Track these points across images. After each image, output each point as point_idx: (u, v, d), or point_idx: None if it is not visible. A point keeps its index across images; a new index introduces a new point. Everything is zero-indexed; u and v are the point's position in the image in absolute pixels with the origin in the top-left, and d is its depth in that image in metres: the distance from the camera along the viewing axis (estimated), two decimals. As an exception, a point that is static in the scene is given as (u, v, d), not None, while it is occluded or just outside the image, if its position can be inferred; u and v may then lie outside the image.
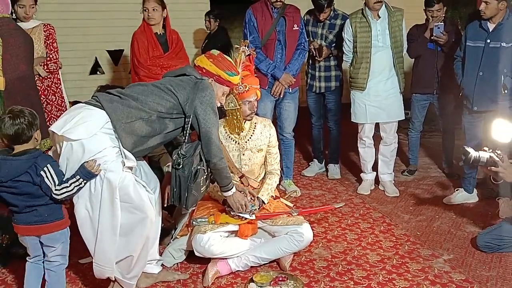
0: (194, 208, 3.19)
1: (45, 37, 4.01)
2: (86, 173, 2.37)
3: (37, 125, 2.44)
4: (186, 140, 2.64)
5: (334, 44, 4.49)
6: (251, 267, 3.02)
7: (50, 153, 2.63)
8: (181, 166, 2.58)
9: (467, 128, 3.99)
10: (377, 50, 4.08)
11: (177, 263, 3.10)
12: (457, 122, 4.62)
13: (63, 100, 4.16)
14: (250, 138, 3.21)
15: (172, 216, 3.37)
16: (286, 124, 4.34)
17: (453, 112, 4.62)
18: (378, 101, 4.15)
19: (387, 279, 2.91)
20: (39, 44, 3.97)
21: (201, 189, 2.73)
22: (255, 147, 3.22)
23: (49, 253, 2.51)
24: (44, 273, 2.57)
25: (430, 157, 5.34)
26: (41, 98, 3.95)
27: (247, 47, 3.25)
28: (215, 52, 2.87)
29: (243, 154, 3.20)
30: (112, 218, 2.45)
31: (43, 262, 2.56)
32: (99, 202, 2.44)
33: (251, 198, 2.99)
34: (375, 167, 4.42)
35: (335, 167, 4.83)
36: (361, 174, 4.47)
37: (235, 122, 3.15)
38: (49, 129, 2.45)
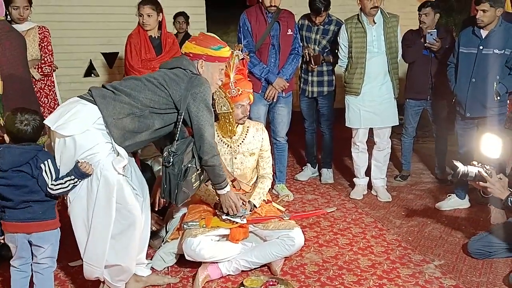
0: (185, 212, 3.19)
1: (39, 40, 3.99)
2: (80, 173, 2.40)
3: (44, 128, 2.49)
4: (177, 137, 2.62)
5: (327, 50, 4.51)
6: (242, 271, 3.01)
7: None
8: (171, 163, 2.57)
9: (460, 134, 4.00)
10: (372, 55, 4.10)
11: (168, 267, 3.09)
12: (450, 128, 4.65)
13: (56, 102, 4.14)
14: (242, 141, 3.21)
15: (163, 219, 3.35)
16: (280, 128, 4.35)
17: (446, 118, 4.64)
18: (373, 106, 4.16)
19: (377, 284, 2.90)
20: (34, 46, 3.95)
21: (193, 186, 2.71)
22: (248, 151, 3.22)
23: (38, 254, 2.50)
24: (32, 276, 2.55)
25: (423, 163, 5.36)
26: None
27: (241, 51, 3.27)
28: (196, 33, 2.85)
29: (235, 158, 3.20)
30: (106, 217, 2.46)
31: (31, 265, 2.54)
32: (95, 200, 2.44)
33: (242, 203, 2.98)
34: (368, 172, 4.43)
35: (328, 171, 4.84)
36: (354, 179, 4.48)
37: (227, 125, 3.16)
38: (43, 121, 2.48)
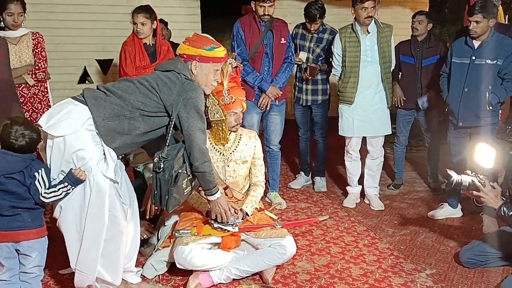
0: (177, 219, 3.18)
1: (33, 46, 3.96)
2: (74, 179, 2.41)
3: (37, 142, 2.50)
4: (168, 143, 2.60)
5: (321, 58, 4.53)
6: (233, 279, 3.00)
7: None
8: (161, 169, 2.55)
9: (452, 143, 4.02)
10: (366, 65, 4.12)
11: (159, 275, 3.07)
12: (442, 137, 4.68)
13: (49, 108, 4.13)
14: (235, 149, 3.21)
15: (155, 227, 3.34)
16: (273, 136, 4.35)
17: (437, 127, 4.67)
18: (366, 115, 4.18)
19: (369, 293, 2.90)
20: (27, 52, 3.94)
21: (185, 192, 2.69)
22: (240, 159, 3.21)
23: (26, 263, 2.48)
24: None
25: (416, 172, 5.37)
26: (27, 105, 3.93)
27: (234, 60, 3.27)
28: (190, 34, 2.82)
29: (228, 166, 3.20)
30: (99, 223, 2.45)
31: (18, 278, 2.52)
32: (87, 207, 2.43)
33: (234, 212, 2.97)
34: (361, 181, 4.44)
35: (321, 180, 4.84)
36: (347, 188, 4.48)
37: (220, 133, 3.15)
38: (36, 122, 2.50)
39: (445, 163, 4.42)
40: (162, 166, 2.55)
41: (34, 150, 2.50)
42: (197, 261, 2.86)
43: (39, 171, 2.43)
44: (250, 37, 4.10)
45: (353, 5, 4.08)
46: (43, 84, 4.08)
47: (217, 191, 2.81)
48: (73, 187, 2.43)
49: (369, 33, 4.12)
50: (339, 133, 4.31)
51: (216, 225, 2.93)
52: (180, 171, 2.60)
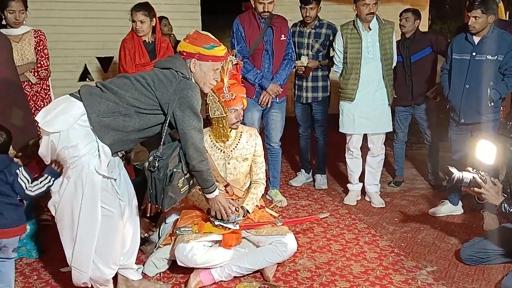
0: (178, 217, 3.18)
1: (35, 43, 3.97)
2: (54, 172, 2.55)
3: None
4: (163, 141, 2.59)
5: (321, 53, 4.52)
6: (234, 277, 3.00)
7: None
8: (156, 168, 2.53)
9: (453, 140, 4.01)
10: (367, 61, 4.11)
11: (160, 273, 3.07)
12: (441, 134, 4.68)
13: (51, 106, 4.13)
14: (235, 147, 3.21)
15: (156, 225, 3.34)
16: (273, 133, 4.35)
17: (436, 124, 4.67)
18: (367, 112, 4.17)
19: (370, 290, 2.90)
20: (29, 50, 3.95)
21: (181, 191, 2.66)
22: (241, 156, 3.21)
23: (3, 256, 2.61)
24: None
25: (417, 169, 5.37)
26: (30, 103, 3.92)
27: (235, 57, 3.26)
28: (191, 31, 2.80)
29: (228, 163, 3.19)
30: (92, 220, 2.46)
31: None
32: (80, 204, 2.44)
33: (235, 209, 2.96)
34: (361, 178, 4.43)
35: (322, 177, 4.84)
36: (348, 185, 4.48)
37: (221, 130, 3.14)
38: (35, 118, 2.55)
39: (445, 160, 4.42)
40: (156, 165, 2.53)
41: (6, 151, 2.62)
42: (198, 258, 2.86)
43: (20, 169, 2.55)
44: (250, 34, 4.09)
45: (355, 1, 4.07)
46: (45, 82, 4.09)
47: (215, 189, 2.79)
48: (53, 179, 2.56)
49: (370, 29, 4.11)
50: (339, 130, 4.30)
51: (217, 222, 2.92)
52: (175, 170, 2.57)
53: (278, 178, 4.49)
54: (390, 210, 4.23)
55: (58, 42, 6.08)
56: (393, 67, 4.27)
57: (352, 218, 4.03)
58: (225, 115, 3.08)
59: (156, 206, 2.67)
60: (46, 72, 4.03)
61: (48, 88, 4.13)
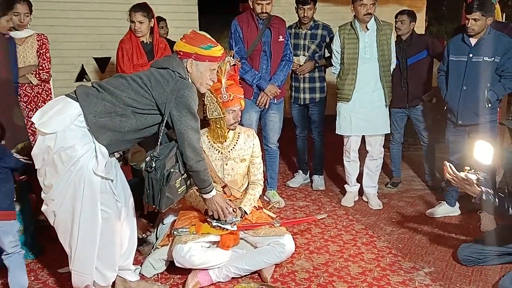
0: (176, 218, 3.18)
1: (38, 47, 4.05)
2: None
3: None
4: (160, 141, 2.58)
5: (317, 54, 4.52)
6: (232, 278, 3.00)
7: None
8: (153, 168, 2.53)
9: (451, 141, 4.01)
10: (364, 62, 4.11)
11: (158, 274, 3.07)
12: (437, 135, 4.69)
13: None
14: (233, 147, 3.21)
15: (153, 225, 3.34)
16: (271, 134, 4.35)
17: (432, 125, 4.69)
18: (363, 114, 4.17)
19: (368, 291, 2.91)
20: (31, 53, 4.02)
21: (178, 191, 2.66)
22: (238, 157, 3.21)
23: (7, 242, 2.71)
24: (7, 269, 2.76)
25: (414, 170, 5.38)
26: (31, 104, 4.02)
27: (232, 58, 3.26)
28: (188, 31, 2.79)
29: (226, 164, 3.19)
30: (93, 222, 2.45)
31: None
32: (80, 207, 2.42)
33: (233, 210, 2.96)
34: (359, 179, 4.44)
35: (320, 178, 4.84)
36: (345, 186, 4.48)
37: (218, 131, 3.14)
38: (31, 119, 2.55)
39: (442, 161, 4.41)
40: (153, 165, 2.52)
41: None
42: (196, 259, 2.86)
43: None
44: (248, 35, 4.09)
45: (353, 2, 4.08)
46: (46, 84, 4.17)
47: (212, 189, 2.78)
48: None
49: (368, 30, 4.11)
50: (336, 132, 4.31)
51: (214, 223, 2.92)
52: (172, 170, 2.57)
53: (275, 179, 4.49)
54: (387, 211, 4.24)
55: (55, 42, 6.04)
56: (391, 68, 4.27)
57: (350, 219, 4.04)
58: (223, 116, 3.08)
59: (153, 206, 2.66)
60: (48, 75, 4.11)
61: (49, 90, 4.21)
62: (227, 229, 2.94)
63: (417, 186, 4.90)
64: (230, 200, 3.09)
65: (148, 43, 4.01)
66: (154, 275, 3.06)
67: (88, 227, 2.45)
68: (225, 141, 3.18)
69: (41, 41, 4.07)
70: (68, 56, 6.50)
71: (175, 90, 2.54)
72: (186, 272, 2.96)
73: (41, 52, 4.06)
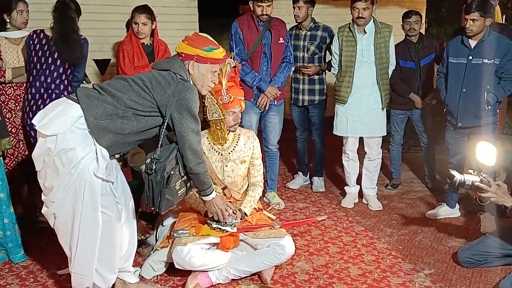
0: (175, 220, 3.17)
1: None
2: None
3: None
4: (161, 143, 2.58)
5: (316, 55, 4.53)
6: (232, 280, 3.00)
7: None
8: (153, 171, 2.52)
9: (450, 143, 4.01)
10: (361, 64, 4.11)
11: (157, 275, 3.06)
12: (437, 137, 4.69)
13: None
14: (233, 149, 3.21)
15: (153, 227, 3.33)
16: (271, 136, 4.35)
17: (432, 127, 4.68)
18: (360, 116, 4.17)
19: (368, 293, 2.90)
20: None
21: (178, 193, 2.65)
22: (238, 159, 3.21)
23: None
24: None
25: (414, 172, 5.37)
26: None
27: (233, 59, 3.27)
28: (190, 33, 2.79)
29: (226, 166, 3.19)
30: (93, 224, 2.44)
31: None
32: (81, 208, 2.42)
33: (232, 212, 2.96)
34: (359, 181, 4.44)
35: (320, 180, 4.84)
36: (345, 187, 4.48)
37: (218, 132, 3.14)
38: (31, 121, 2.53)
39: (442, 163, 4.43)
40: (154, 167, 2.52)
41: None
42: (196, 261, 2.85)
43: None
44: (248, 37, 4.09)
45: (350, 4, 4.09)
46: None
47: (212, 192, 2.78)
48: None
49: (366, 33, 4.11)
50: (333, 132, 4.32)
51: (214, 225, 2.92)
52: (172, 172, 2.56)
53: (275, 181, 4.49)
54: (387, 212, 4.23)
55: (55, 44, 6.06)
56: (389, 71, 4.26)
57: (350, 221, 4.03)
58: (223, 118, 3.08)
59: (153, 208, 2.66)
60: None
61: None
62: (227, 231, 2.94)
63: (417, 188, 4.89)
64: (230, 202, 3.08)
65: (149, 44, 4.02)
66: (154, 276, 3.05)
67: (88, 229, 2.44)
68: (225, 142, 3.18)
69: None
70: (68, 58, 6.48)
71: (176, 92, 2.54)
72: (185, 274, 2.96)
73: None
